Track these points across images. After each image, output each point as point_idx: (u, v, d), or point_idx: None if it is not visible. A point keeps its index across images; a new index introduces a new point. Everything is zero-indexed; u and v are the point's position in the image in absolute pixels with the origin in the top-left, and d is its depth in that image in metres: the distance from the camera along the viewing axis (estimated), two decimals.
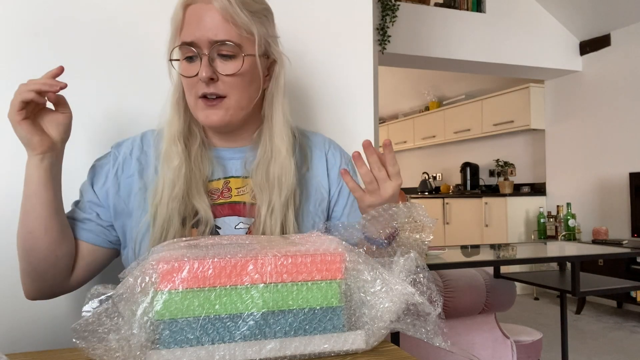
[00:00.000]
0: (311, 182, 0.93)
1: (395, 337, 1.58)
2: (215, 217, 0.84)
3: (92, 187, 0.87)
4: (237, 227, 0.86)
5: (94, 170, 0.89)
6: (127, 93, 1.13)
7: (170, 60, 0.84)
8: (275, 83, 0.89)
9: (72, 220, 0.86)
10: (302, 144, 0.95)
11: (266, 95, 0.89)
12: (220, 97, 0.82)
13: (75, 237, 0.85)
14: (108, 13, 1.12)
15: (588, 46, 4.38)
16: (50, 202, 0.78)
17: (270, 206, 0.84)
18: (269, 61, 0.88)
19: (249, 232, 0.86)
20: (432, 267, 2.12)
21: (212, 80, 0.81)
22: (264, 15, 0.85)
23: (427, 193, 6.25)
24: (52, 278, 0.82)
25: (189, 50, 0.81)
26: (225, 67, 0.81)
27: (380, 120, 7.31)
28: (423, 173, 6.54)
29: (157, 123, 0.90)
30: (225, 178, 0.89)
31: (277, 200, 0.84)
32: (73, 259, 0.85)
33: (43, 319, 1.04)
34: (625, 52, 4.07)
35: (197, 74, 0.80)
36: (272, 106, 0.89)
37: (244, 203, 0.87)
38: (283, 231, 0.85)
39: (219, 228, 0.85)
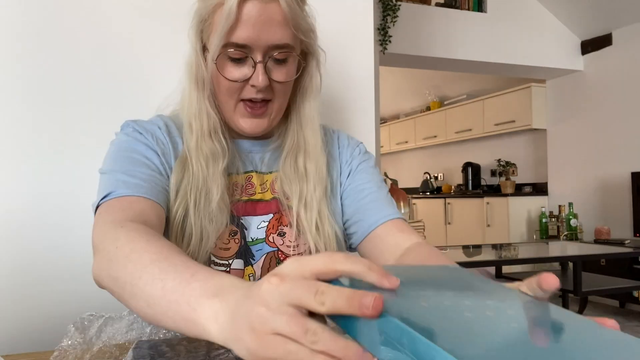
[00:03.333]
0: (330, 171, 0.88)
1: None
2: (240, 214, 0.80)
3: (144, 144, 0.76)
4: (259, 226, 0.81)
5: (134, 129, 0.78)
6: (128, 93, 1.13)
7: (212, 60, 0.74)
8: (310, 77, 0.83)
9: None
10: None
11: (299, 88, 0.84)
12: (264, 101, 0.77)
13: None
14: (109, 15, 1.12)
15: (590, 45, 4.37)
16: None
17: (303, 198, 0.80)
18: (304, 53, 0.82)
19: (270, 226, 0.80)
20: None
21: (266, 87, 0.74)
22: (305, 4, 0.79)
23: (428, 193, 6.24)
24: None
25: (238, 53, 0.72)
26: (279, 74, 0.75)
27: (382, 120, 7.31)
28: (424, 173, 6.53)
29: (173, 109, 0.84)
30: (246, 172, 0.84)
31: (311, 193, 0.80)
32: None
33: (43, 319, 1.04)
34: (626, 51, 4.06)
35: (246, 79, 0.73)
36: (305, 101, 0.83)
37: (266, 201, 0.82)
38: (319, 226, 0.80)
39: (246, 229, 0.80)
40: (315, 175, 0.81)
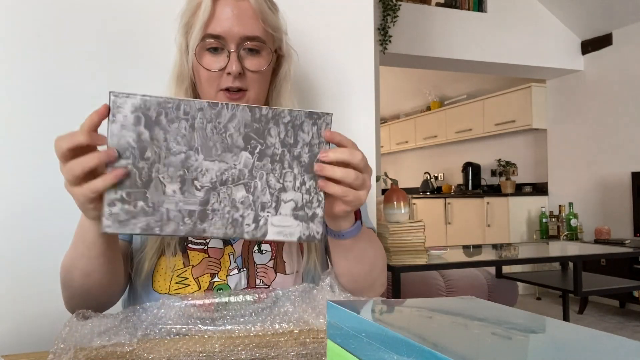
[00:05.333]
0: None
1: None
2: None
3: None
4: None
5: None
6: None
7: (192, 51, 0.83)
8: (284, 75, 0.91)
9: None
10: None
11: (275, 85, 0.92)
12: (242, 91, 0.84)
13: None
14: (111, 12, 1.12)
15: (590, 45, 4.37)
16: (115, 255, 0.75)
17: None
18: (278, 55, 0.91)
19: None
20: (434, 267, 2.12)
21: (240, 74, 0.82)
22: (277, 11, 0.88)
23: (428, 193, 6.24)
24: (118, 294, 0.83)
25: (214, 43, 0.81)
26: (252, 63, 0.83)
27: (382, 121, 7.31)
28: (425, 173, 6.53)
29: None
30: None
31: None
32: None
33: (43, 319, 1.04)
34: (627, 51, 4.06)
35: (222, 68, 0.81)
36: (280, 95, 0.91)
37: None
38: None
39: None
40: None
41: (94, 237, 0.67)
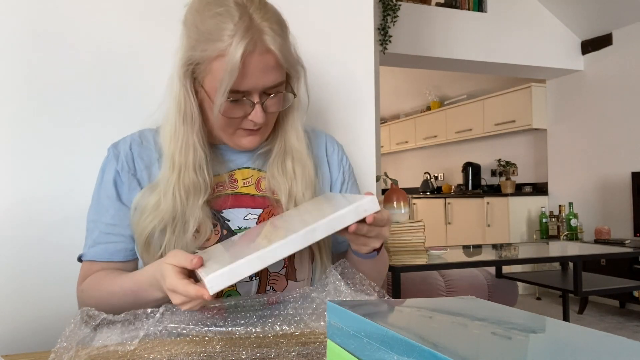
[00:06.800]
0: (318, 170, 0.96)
1: None
2: (222, 208, 0.86)
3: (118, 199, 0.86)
4: (245, 217, 0.86)
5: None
6: (129, 99, 1.13)
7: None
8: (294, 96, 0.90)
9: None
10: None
11: None
12: (260, 128, 0.85)
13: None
14: (111, 16, 1.12)
15: (590, 45, 4.37)
16: None
17: (292, 197, 0.86)
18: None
19: (261, 218, 0.87)
20: (434, 267, 2.12)
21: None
22: (289, 33, 0.84)
23: (428, 193, 6.24)
24: None
25: (238, 96, 0.79)
26: (272, 103, 0.82)
27: (382, 121, 7.31)
28: (425, 173, 6.53)
29: (155, 121, 0.89)
30: (229, 172, 0.90)
31: (301, 194, 0.87)
32: None
33: (43, 319, 1.04)
34: (627, 51, 4.06)
35: (245, 116, 0.81)
36: (289, 113, 0.89)
37: (251, 195, 0.88)
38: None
39: (228, 220, 0.85)
40: (304, 178, 0.88)
41: (152, 301, 0.73)
